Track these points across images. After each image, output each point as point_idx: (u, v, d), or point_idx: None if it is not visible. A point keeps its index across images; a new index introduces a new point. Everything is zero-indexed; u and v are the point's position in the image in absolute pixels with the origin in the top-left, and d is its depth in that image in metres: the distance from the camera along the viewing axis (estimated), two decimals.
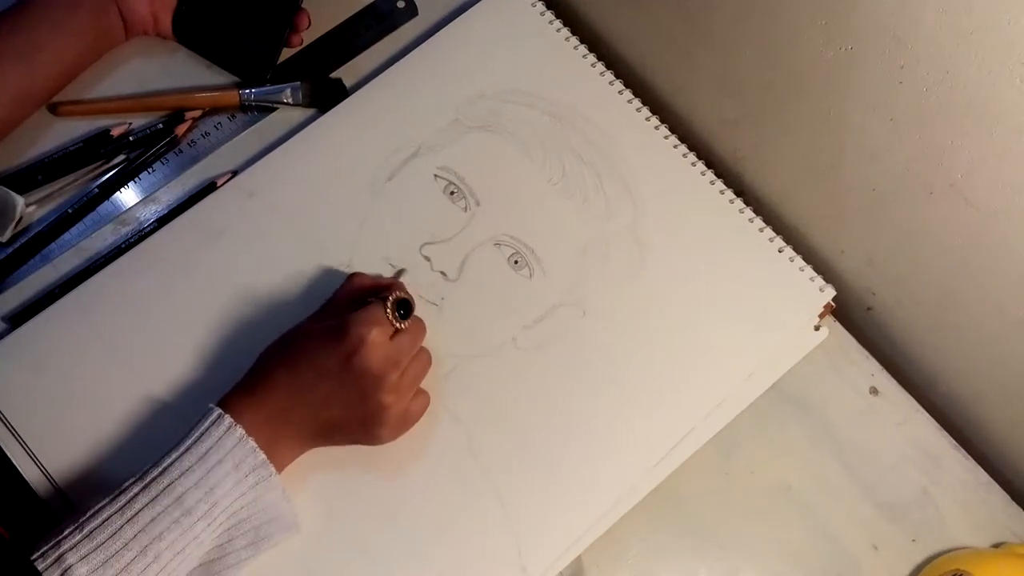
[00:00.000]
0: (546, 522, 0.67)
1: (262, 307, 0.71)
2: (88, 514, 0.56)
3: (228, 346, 0.70)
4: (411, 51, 0.79)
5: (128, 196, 0.75)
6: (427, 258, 0.73)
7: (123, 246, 0.73)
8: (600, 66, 0.79)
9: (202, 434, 0.59)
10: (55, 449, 0.67)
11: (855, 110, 0.66)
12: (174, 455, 0.58)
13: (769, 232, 0.75)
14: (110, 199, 0.75)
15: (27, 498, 0.65)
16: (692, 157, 0.77)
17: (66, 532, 0.55)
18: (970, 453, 0.74)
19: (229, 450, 0.59)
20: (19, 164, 0.75)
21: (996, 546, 0.71)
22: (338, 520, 0.66)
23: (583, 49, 0.80)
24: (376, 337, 0.62)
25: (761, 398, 0.72)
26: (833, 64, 0.65)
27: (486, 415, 0.69)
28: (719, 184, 0.77)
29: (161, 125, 0.76)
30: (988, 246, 0.64)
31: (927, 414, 0.74)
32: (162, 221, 0.74)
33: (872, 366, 0.75)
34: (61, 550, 0.54)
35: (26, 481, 0.66)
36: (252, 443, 0.59)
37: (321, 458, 0.66)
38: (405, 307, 0.65)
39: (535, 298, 0.73)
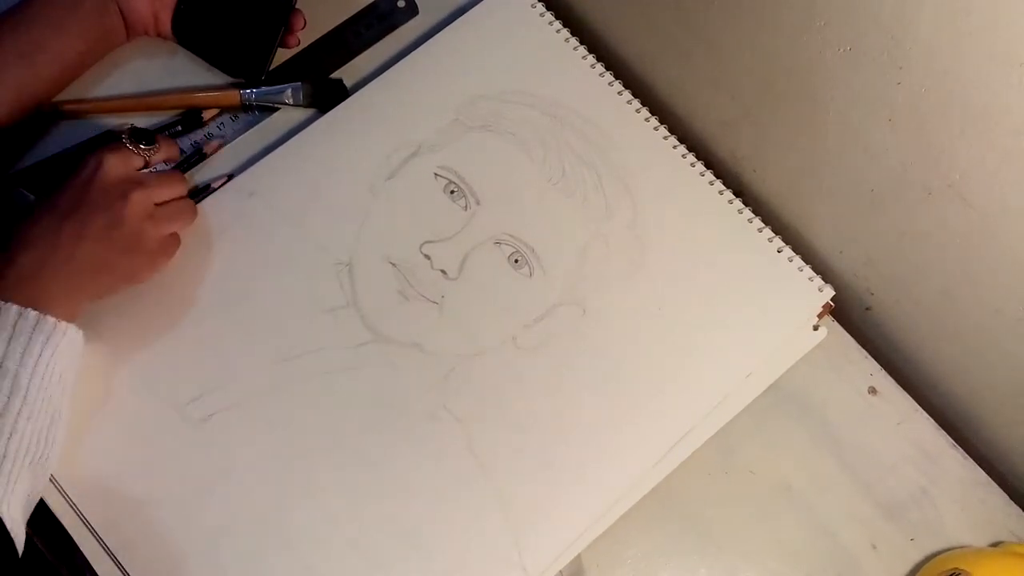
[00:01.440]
0: (546, 521, 0.67)
1: (263, 306, 0.71)
2: None
3: (229, 344, 0.70)
4: (411, 51, 0.79)
5: None
6: (427, 257, 0.73)
7: None
8: (600, 66, 0.80)
9: None
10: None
11: (854, 110, 0.66)
12: None
13: (768, 232, 0.76)
14: None
15: None
16: (691, 157, 0.77)
17: None
18: (968, 453, 0.74)
19: (10, 326, 0.58)
20: (24, 164, 0.75)
21: (994, 545, 0.71)
22: (338, 520, 0.66)
23: (583, 50, 0.80)
24: (113, 158, 0.65)
25: (760, 398, 0.72)
26: (832, 64, 0.65)
27: (486, 414, 0.70)
28: (718, 184, 0.77)
29: (180, 128, 0.77)
30: (986, 246, 0.64)
31: (925, 414, 0.74)
32: None
33: (871, 366, 0.76)
34: None
35: None
36: (13, 308, 0.59)
37: (321, 458, 0.66)
38: (144, 135, 0.69)
39: (535, 297, 0.73)
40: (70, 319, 0.62)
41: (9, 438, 0.57)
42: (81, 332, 0.62)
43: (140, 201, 0.66)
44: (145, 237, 0.66)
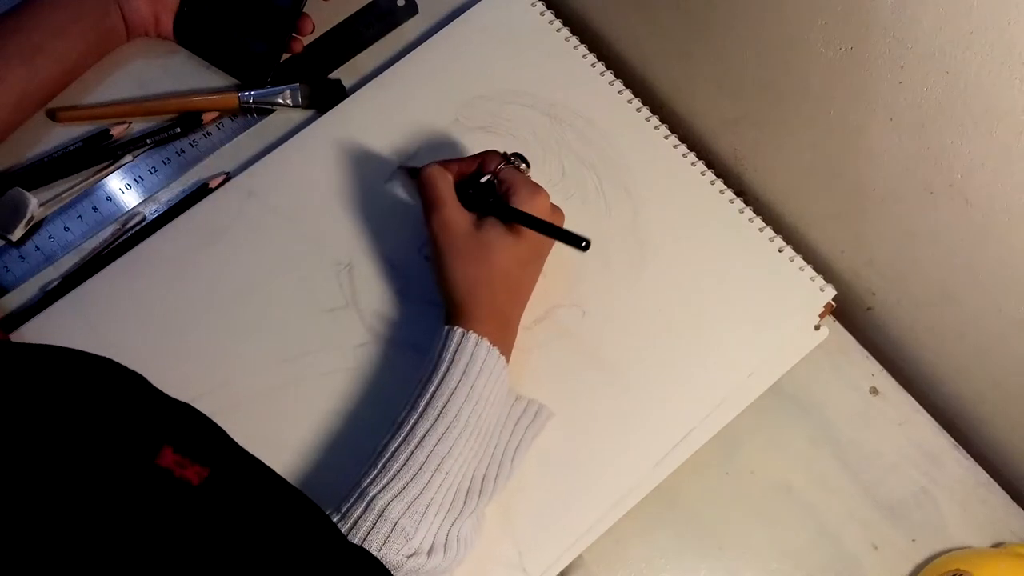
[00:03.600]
0: (546, 522, 0.67)
1: (262, 306, 0.71)
2: (376, 454, 0.61)
3: (228, 345, 0.70)
4: (411, 50, 0.79)
5: (129, 197, 0.75)
6: (427, 258, 0.73)
7: (124, 246, 0.73)
8: (600, 66, 0.79)
9: (455, 353, 0.62)
10: None
11: (855, 110, 0.66)
12: (436, 379, 0.62)
13: (769, 232, 0.75)
14: (111, 199, 0.75)
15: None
16: (692, 157, 0.77)
17: (365, 477, 0.60)
18: (970, 453, 0.74)
19: (483, 361, 0.62)
20: (21, 163, 0.75)
21: (996, 546, 0.71)
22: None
23: (583, 49, 0.80)
24: (539, 187, 0.67)
25: (761, 398, 0.72)
26: (833, 64, 0.65)
27: None
28: (719, 184, 0.77)
29: (178, 130, 0.77)
30: (988, 246, 0.64)
31: (927, 414, 0.74)
32: (159, 222, 0.74)
33: (872, 366, 0.75)
34: (369, 495, 0.58)
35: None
36: (497, 351, 0.63)
37: (321, 459, 0.66)
38: (520, 156, 0.70)
39: (535, 298, 0.73)
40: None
41: (458, 463, 0.61)
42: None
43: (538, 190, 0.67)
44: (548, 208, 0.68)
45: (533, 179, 0.68)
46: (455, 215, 0.66)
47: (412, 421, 0.61)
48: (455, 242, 0.65)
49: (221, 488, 0.48)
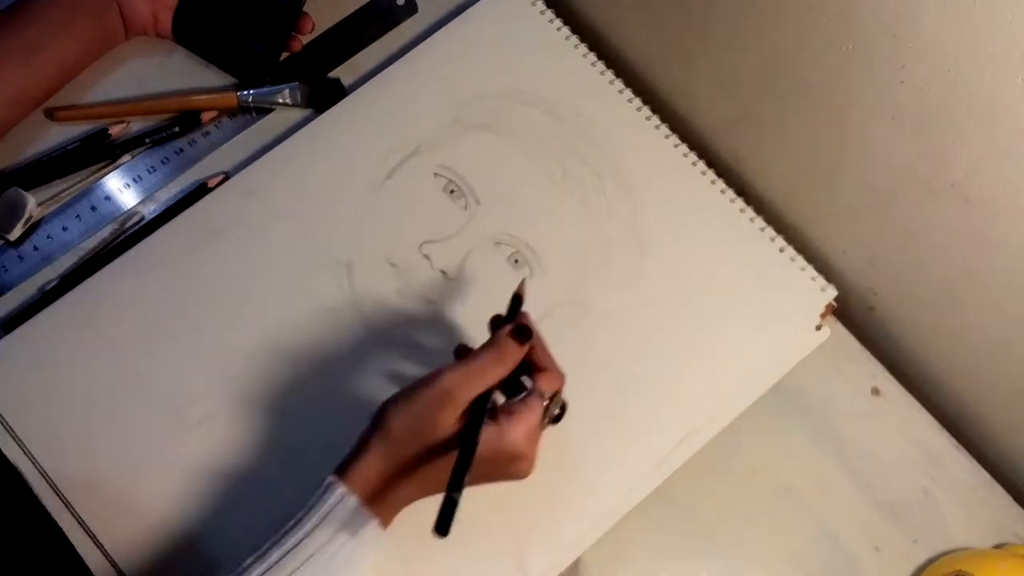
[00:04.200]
0: (547, 523, 0.67)
1: (261, 306, 0.71)
2: None
3: (226, 345, 0.70)
4: (411, 50, 0.79)
5: (128, 196, 0.75)
6: (427, 256, 0.73)
7: (122, 246, 0.73)
8: (600, 65, 0.79)
9: (326, 515, 0.56)
10: (53, 448, 0.67)
11: (856, 110, 0.66)
12: (298, 534, 0.56)
13: (770, 232, 0.75)
14: (110, 199, 0.75)
15: (23, 496, 0.65)
16: (693, 157, 0.77)
17: None
18: (972, 453, 0.73)
19: (354, 535, 0.56)
20: (19, 163, 0.75)
21: (998, 547, 0.71)
22: None
23: (583, 48, 0.80)
24: (532, 451, 0.59)
25: (762, 398, 0.72)
26: (834, 64, 0.64)
27: None
28: (720, 184, 0.76)
29: (177, 129, 0.77)
30: (990, 246, 0.64)
31: (929, 414, 0.74)
32: (158, 221, 0.74)
33: (874, 366, 0.75)
34: None
35: (24, 479, 0.66)
36: (380, 529, 0.57)
37: (321, 460, 0.66)
38: (563, 410, 0.63)
39: (536, 297, 0.72)
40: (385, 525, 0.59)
41: None
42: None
43: (533, 456, 0.60)
44: (524, 475, 0.61)
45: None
46: (469, 398, 0.58)
47: (256, 573, 0.55)
48: (439, 415, 0.57)
49: None
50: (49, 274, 0.73)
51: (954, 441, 0.73)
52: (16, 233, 0.72)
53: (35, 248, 0.73)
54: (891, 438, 0.73)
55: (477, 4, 0.81)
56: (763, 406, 0.72)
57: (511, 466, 0.59)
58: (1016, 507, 0.72)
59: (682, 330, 0.72)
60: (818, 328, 0.74)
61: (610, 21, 0.83)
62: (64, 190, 0.74)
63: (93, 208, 0.75)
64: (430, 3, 0.82)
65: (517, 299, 0.63)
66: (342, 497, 0.57)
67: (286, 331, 0.71)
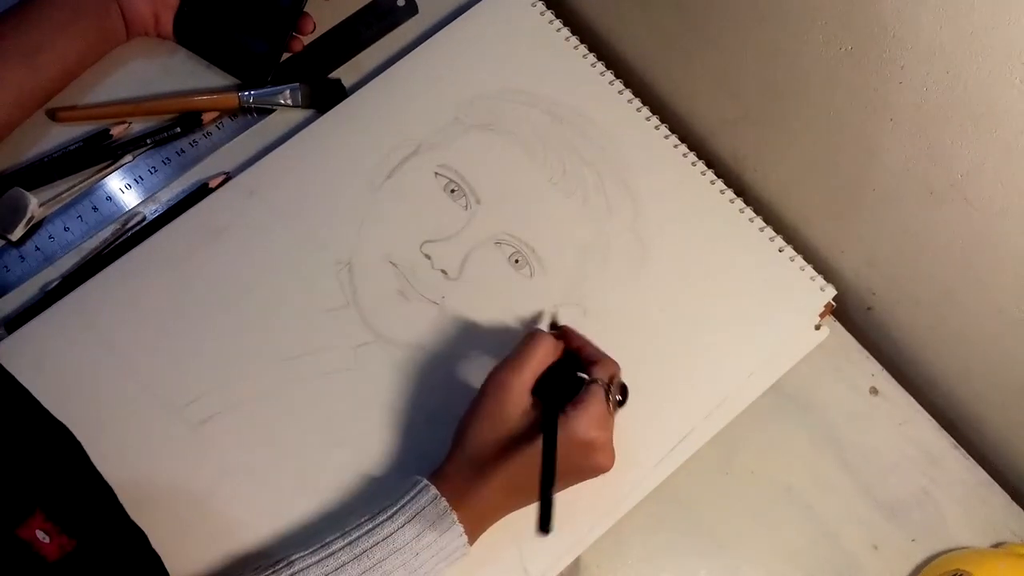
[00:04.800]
0: None
1: (262, 306, 0.71)
2: (292, 570, 0.57)
3: (228, 345, 0.70)
4: (411, 50, 0.79)
5: (129, 196, 0.75)
6: (427, 256, 0.73)
7: (124, 246, 0.73)
8: (600, 66, 0.79)
9: (418, 513, 0.59)
10: None
11: (855, 110, 0.66)
12: (388, 527, 0.59)
13: (769, 232, 0.75)
14: (111, 199, 0.75)
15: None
16: (692, 157, 0.77)
17: None
18: (970, 453, 0.74)
19: (440, 534, 0.59)
20: (21, 163, 0.75)
21: (996, 546, 0.71)
22: (338, 520, 0.66)
23: (583, 49, 0.80)
24: (605, 439, 0.61)
25: (761, 398, 0.72)
26: (833, 64, 0.64)
27: None
28: (719, 184, 0.77)
29: (178, 130, 0.77)
30: (988, 246, 0.64)
31: (927, 414, 0.74)
32: (160, 221, 0.74)
33: (872, 366, 0.75)
34: None
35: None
36: (461, 528, 0.59)
37: (321, 460, 0.66)
38: (625, 393, 0.64)
39: (535, 297, 0.73)
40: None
41: None
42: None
43: (608, 446, 0.63)
44: (605, 469, 0.63)
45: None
46: (521, 383, 0.62)
47: (344, 560, 0.58)
48: (501, 407, 0.61)
49: (80, 566, 0.47)
50: (51, 274, 0.73)
51: (953, 441, 0.74)
52: (18, 233, 0.72)
53: (37, 248, 0.73)
54: (890, 438, 0.73)
55: (477, 5, 0.81)
56: (762, 406, 0.72)
57: (590, 457, 0.61)
58: (1014, 506, 0.72)
59: (681, 329, 0.72)
60: (817, 328, 0.74)
61: (610, 22, 0.83)
62: (66, 190, 0.74)
63: (95, 208, 0.75)
64: (431, 4, 0.82)
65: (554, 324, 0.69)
66: (435, 498, 0.59)
67: (287, 331, 0.71)
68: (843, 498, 0.72)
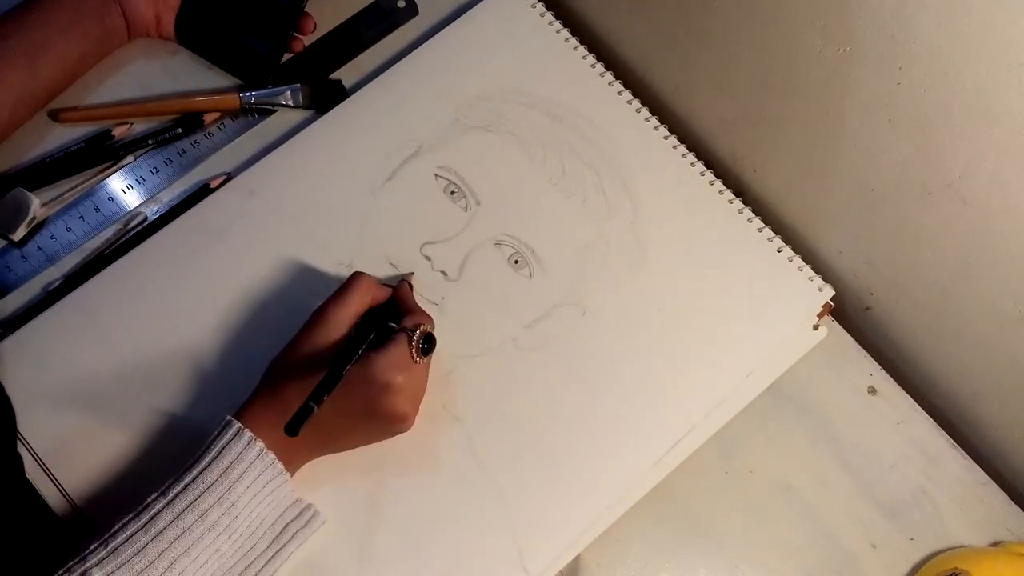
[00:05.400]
0: (546, 521, 0.67)
1: (263, 306, 0.72)
2: (112, 530, 0.57)
3: (229, 345, 0.70)
4: (412, 51, 0.80)
5: (131, 197, 0.76)
6: (427, 257, 0.73)
7: (125, 246, 0.73)
8: (600, 67, 0.80)
9: (222, 449, 0.59)
10: (55, 447, 0.67)
11: (853, 111, 0.66)
12: (195, 470, 0.59)
13: (768, 232, 0.76)
14: (113, 199, 0.75)
15: (26, 494, 0.65)
16: (691, 157, 0.77)
17: (91, 548, 0.56)
18: (968, 452, 0.74)
19: (249, 464, 0.59)
20: (23, 164, 0.75)
21: (994, 545, 0.71)
22: (338, 520, 0.66)
23: (583, 50, 0.80)
24: (402, 383, 0.62)
25: (760, 398, 0.72)
26: (831, 65, 0.65)
27: (486, 415, 0.70)
28: (718, 184, 0.77)
29: (180, 130, 0.77)
30: (986, 246, 0.64)
31: (925, 413, 0.74)
32: (161, 221, 0.74)
33: (870, 366, 0.76)
34: (86, 566, 0.55)
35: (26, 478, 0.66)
36: (271, 456, 0.60)
37: (320, 461, 0.66)
38: (430, 342, 0.65)
39: (535, 298, 0.73)
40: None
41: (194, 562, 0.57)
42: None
43: (414, 413, 0.65)
44: (407, 428, 0.65)
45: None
46: (340, 318, 0.63)
47: (157, 508, 0.57)
48: (314, 338, 0.63)
49: None
50: (53, 274, 0.73)
51: (950, 440, 0.74)
52: (20, 233, 0.72)
53: (39, 248, 0.74)
54: (888, 437, 0.74)
55: (477, 6, 0.81)
56: (760, 405, 0.72)
57: (385, 399, 0.62)
58: (1012, 505, 0.73)
59: (680, 329, 0.72)
60: (815, 328, 0.75)
61: (609, 23, 0.83)
62: (68, 191, 0.75)
63: (96, 209, 0.75)
64: (431, 5, 0.82)
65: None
66: (238, 431, 0.59)
67: (288, 331, 0.71)
68: (841, 497, 0.72)
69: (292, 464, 0.62)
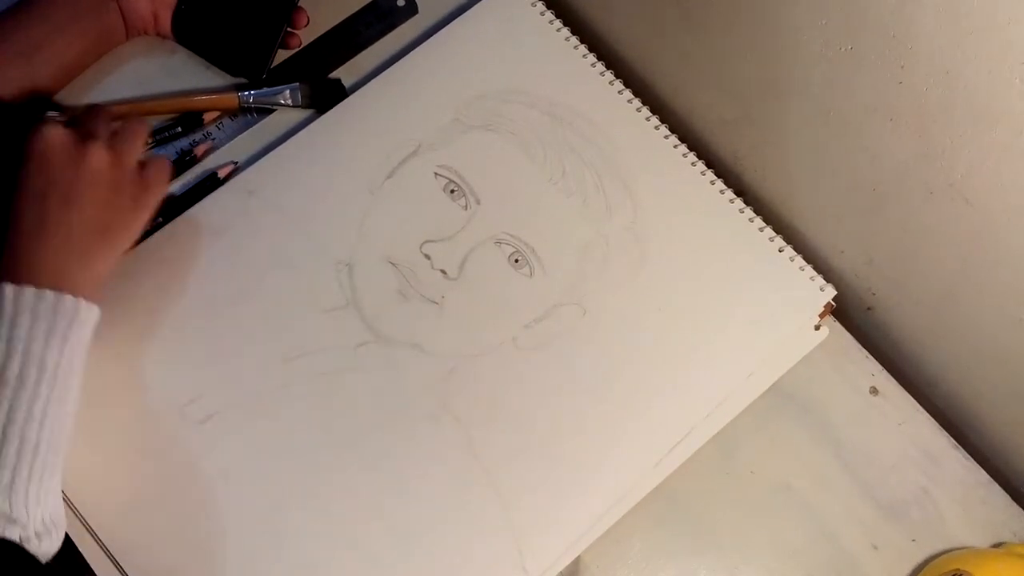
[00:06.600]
0: (546, 522, 0.67)
1: (262, 306, 0.71)
2: None
3: (229, 344, 0.70)
4: (411, 50, 0.79)
5: None
6: (427, 256, 0.73)
7: None
8: (600, 66, 0.79)
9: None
10: None
11: (855, 110, 0.66)
12: None
13: (769, 232, 0.75)
14: None
15: None
16: (692, 157, 0.77)
17: None
18: (970, 453, 0.74)
19: (19, 310, 0.58)
20: None
21: (996, 546, 0.71)
22: (338, 520, 0.66)
23: (583, 49, 0.80)
24: (48, 132, 0.62)
25: (761, 398, 0.72)
26: (833, 64, 0.65)
27: (486, 415, 0.69)
28: (719, 184, 0.77)
29: (179, 129, 0.77)
30: (988, 246, 0.64)
31: (927, 414, 0.74)
32: (163, 217, 0.74)
33: (872, 366, 0.75)
34: None
35: None
36: (47, 292, 0.59)
37: (321, 459, 0.66)
38: (57, 111, 0.67)
39: (535, 297, 0.73)
40: (89, 297, 0.61)
41: (41, 426, 0.57)
42: (97, 310, 0.62)
43: (97, 153, 0.63)
44: (122, 181, 0.64)
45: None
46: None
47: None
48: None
49: None
50: None
51: (952, 440, 0.74)
52: None
53: None
54: (889, 437, 0.73)
55: (477, 5, 0.81)
56: (762, 405, 0.72)
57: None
58: (1014, 506, 0.73)
59: (681, 329, 0.72)
60: (817, 328, 0.74)
61: (610, 22, 0.83)
62: None
63: None
64: (430, 4, 0.82)
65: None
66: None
67: (287, 330, 0.71)
68: (843, 498, 0.72)
69: (74, 281, 0.61)
